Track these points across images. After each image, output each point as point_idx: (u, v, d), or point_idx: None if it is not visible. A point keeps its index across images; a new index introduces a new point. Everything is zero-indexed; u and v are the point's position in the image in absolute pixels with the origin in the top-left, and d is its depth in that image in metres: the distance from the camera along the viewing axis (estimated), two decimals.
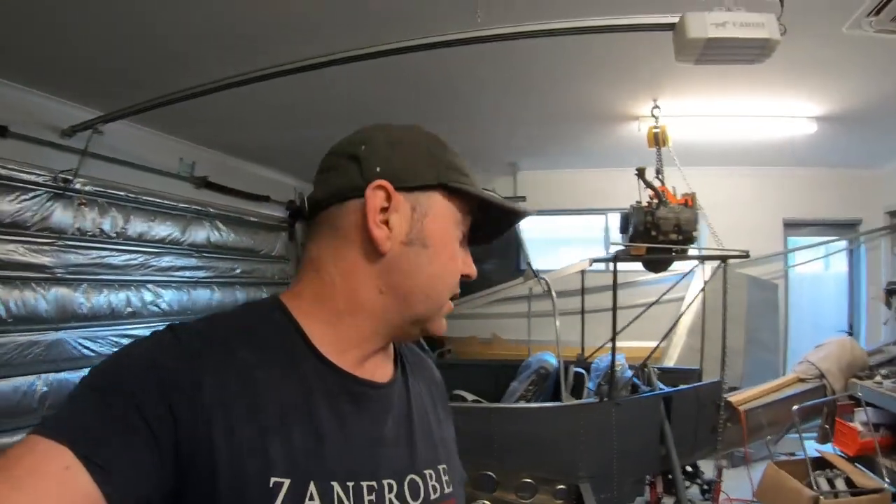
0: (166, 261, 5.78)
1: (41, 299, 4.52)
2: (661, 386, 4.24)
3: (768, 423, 4.21)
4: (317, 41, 3.20)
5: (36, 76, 4.14)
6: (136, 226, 5.43)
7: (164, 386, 0.74)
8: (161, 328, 0.84)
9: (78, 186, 4.76)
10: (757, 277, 6.51)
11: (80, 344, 4.89)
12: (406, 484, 0.92)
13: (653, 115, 4.42)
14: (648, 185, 4.15)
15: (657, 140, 4.43)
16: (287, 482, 0.78)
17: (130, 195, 5.29)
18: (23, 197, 4.35)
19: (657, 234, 4.03)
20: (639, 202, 4.20)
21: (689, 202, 4.13)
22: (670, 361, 5.70)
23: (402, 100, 4.67)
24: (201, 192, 6.11)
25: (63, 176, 4.57)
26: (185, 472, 0.74)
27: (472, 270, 1.01)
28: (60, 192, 4.61)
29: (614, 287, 3.96)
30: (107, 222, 5.14)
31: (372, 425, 0.92)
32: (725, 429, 4.02)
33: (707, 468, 4.56)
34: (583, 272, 4.41)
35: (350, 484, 0.84)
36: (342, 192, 0.92)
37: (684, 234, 4.02)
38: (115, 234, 5.22)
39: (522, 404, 4.16)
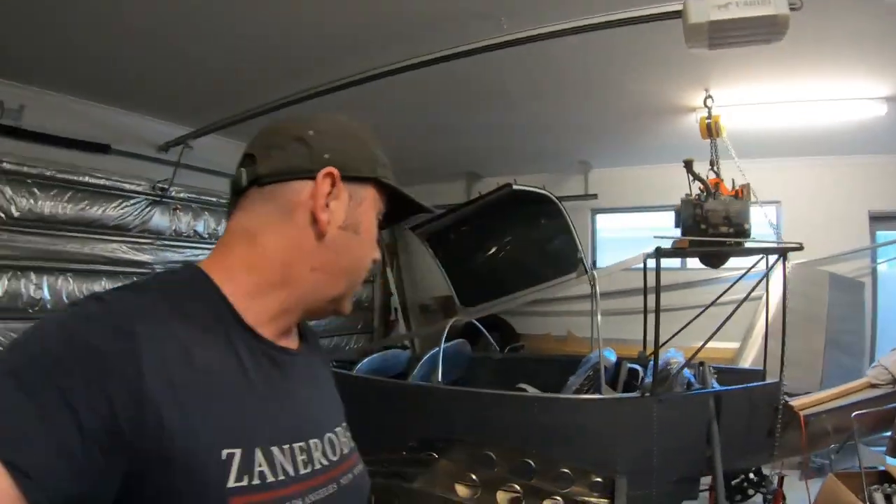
0: None
1: None
2: (716, 385, 4.04)
3: (833, 430, 3.88)
4: (366, 58, 3.52)
5: (135, 100, 4.78)
6: (212, 226, 6.05)
7: (100, 373, 0.71)
8: (89, 299, 0.81)
9: (173, 194, 5.48)
10: (840, 275, 5.89)
11: None
12: (326, 442, 0.98)
13: (705, 105, 4.25)
14: (696, 177, 3.98)
15: (710, 131, 4.26)
16: (238, 452, 0.79)
17: (220, 200, 5.88)
18: (125, 204, 5.06)
19: (706, 227, 3.86)
20: (688, 195, 4.05)
21: (741, 193, 3.92)
22: (745, 363, 5.39)
23: (465, 107, 4.83)
24: None
25: (160, 185, 5.31)
26: (132, 461, 0.72)
27: (379, 256, 1.08)
28: (158, 199, 5.33)
29: (657, 283, 3.80)
30: (199, 224, 5.84)
31: (295, 390, 0.97)
32: (783, 434, 3.77)
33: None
34: (645, 268, 4.30)
35: (286, 447, 0.87)
36: (290, 171, 0.96)
37: (735, 227, 3.81)
38: (207, 235, 5.90)
39: (561, 395, 4.11)
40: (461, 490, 3.60)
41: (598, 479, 3.58)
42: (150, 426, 0.72)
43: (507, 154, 6.26)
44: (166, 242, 5.51)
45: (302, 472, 0.88)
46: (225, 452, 0.78)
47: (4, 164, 4.25)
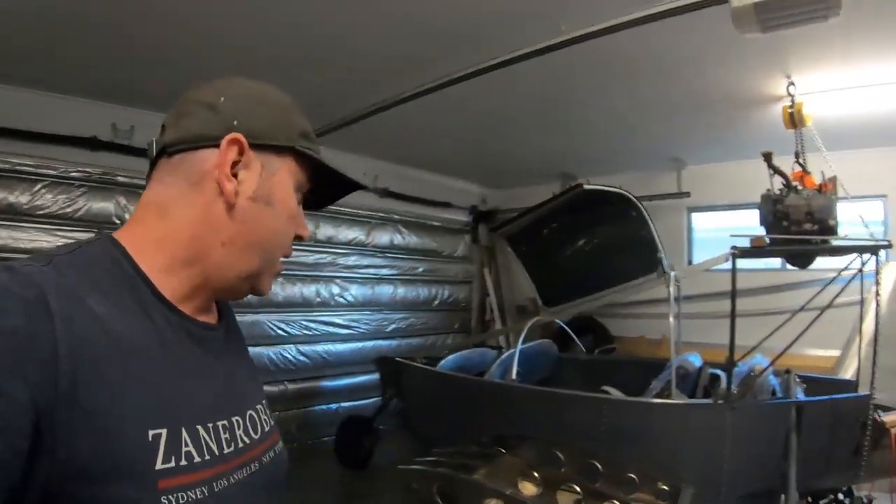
0: (352, 260, 6.72)
1: None
2: (801, 396, 3.75)
3: None
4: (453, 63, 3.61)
5: None
6: (326, 230, 6.47)
7: (14, 357, 0.66)
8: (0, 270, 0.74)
9: None
10: None
11: (274, 326, 5.99)
12: (247, 420, 0.95)
13: (788, 94, 3.95)
14: (776, 170, 3.73)
15: (793, 120, 3.95)
16: (164, 432, 0.76)
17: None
18: None
19: (788, 223, 3.61)
20: (769, 190, 3.80)
21: (826, 188, 3.62)
22: (845, 373, 4.89)
23: (556, 108, 4.83)
24: (385, 201, 6.92)
25: None
26: (56, 449, 0.67)
27: (306, 231, 1.01)
28: None
29: (733, 285, 3.56)
30: None
31: (216, 367, 0.94)
32: (872, 452, 3.43)
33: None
34: (734, 269, 4.03)
35: (210, 425, 0.85)
36: (196, 138, 0.90)
37: (819, 223, 3.53)
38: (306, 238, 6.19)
39: (632, 398, 3.99)
40: (523, 486, 3.59)
41: (664, 487, 3.44)
42: (70, 406, 0.68)
43: (600, 154, 6.12)
44: None
45: (226, 450, 0.86)
46: (151, 433, 0.75)
47: (119, 178, 4.84)
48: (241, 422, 0.93)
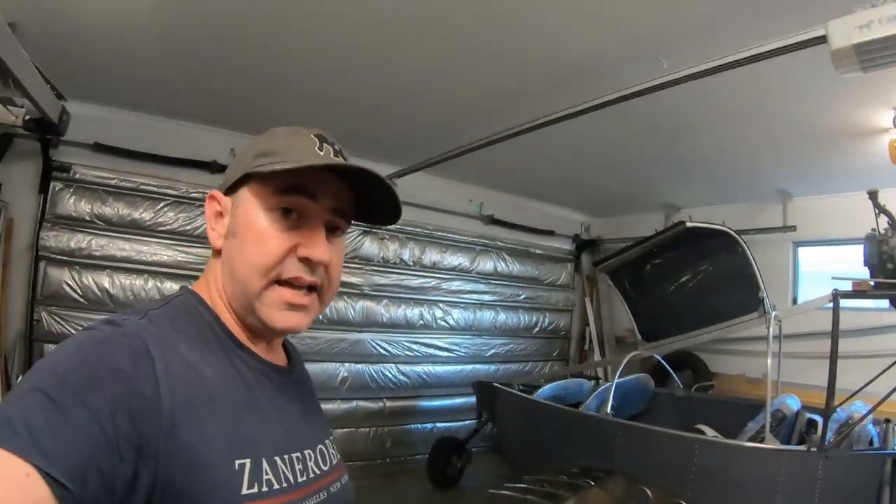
0: (456, 285, 6.92)
1: (350, 308, 6.01)
2: None
3: None
4: (560, 98, 3.74)
5: (350, 146, 5.53)
6: (431, 255, 6.72)
7: (122, 393, 0.74)
8: (103, 324, 0.84)
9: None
10: None
11: (377, 345, 6.28)
12: (318, 453, 1.03)
13: (895, 125, 3.76)
14: (882, 209, 3.57)
15: None
16: (248, 462, 0.85)
17: (426, 231, 6.58)
18: None
19: (893, 266, 3.46)
20: (874, 230, 3.64)
21: None
22: None
23: (658, 140, 4.87)
24: (489, 228, 7.11)
25: None
26: (155, 474, 0.75)
27: (311, 252, 0.96)
28: (367, 229, 6.06)
29: (834, 328, 3.43)
30: (405, 252, 6.52)
31: (291, 404, 1.04)
32: None
33: None
34: (835, 314, 3.85)
35: (286, 457, 0.93)
36: None
37: None
38: (412, 262, 6.58)
39: (722, 439, 3.88)
40: None
41: None
42: (170, 439, 0.77)
43: (704, 185, 6.01)
44: (374, 267, 6.24)
45: (300, 479, 0.95)
46: (237, 463, 0.84)
47: None
48: (312, 454, 1.01)
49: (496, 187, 6.94)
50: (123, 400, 0.74)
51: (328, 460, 1.06)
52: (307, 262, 0.96)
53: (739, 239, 4.52)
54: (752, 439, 3.88)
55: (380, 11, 3.11)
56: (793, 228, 5.91)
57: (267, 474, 0.87)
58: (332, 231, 1.01)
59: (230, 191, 1.01)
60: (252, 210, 0.97)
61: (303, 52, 3.66)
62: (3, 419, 0.68)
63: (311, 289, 0.99)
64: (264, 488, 0.86)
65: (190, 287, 1.03)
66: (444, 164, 5.09)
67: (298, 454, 0.97)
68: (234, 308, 0.99)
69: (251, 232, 0.96)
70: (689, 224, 4.52)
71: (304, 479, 0.96)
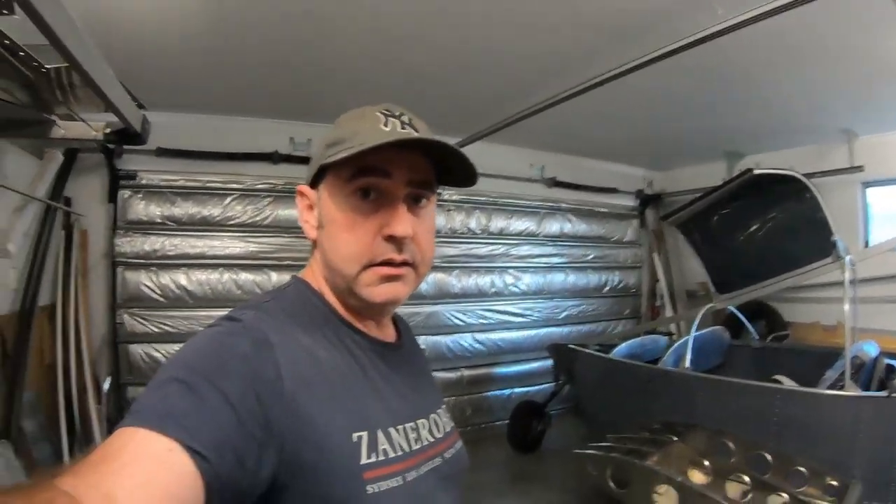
0: (524, 250, 7.00)
1: (423, 282, 6.09)
2: None
3: None
4: (616, 54, 3.70)
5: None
6: (497, 223, 6.80)
7: (249, 377, 0.82)
8: (224, 320, 0.93)
9: (446, 197, 6.31)
10: None
11: (452, 315, 6.46)
12: (431, 422, 1.10)
13: None
14: None
15: None
16: (365, 434, 0.92)
17: (490, 199, 6.66)
18: None
19: None
20: None
21: None
22: None
23: (718, 87, 4.75)
24: (552, 190, 7.13)
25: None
26: (282, 448, 0.82)
27: (394, 229, 0.98)
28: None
29: None
30: (472, 222, 6.63)
31: (401, 377, 1.09)
32: None
33: None
34: None
35: (400, 427, 0.99)
36: None
37: None
38: (479, 231, 6.68)
39: (801, 388, 3.87)
40: (693, 474, 3.68)
41: (833, 483, 3.36)
42: (293, 417, 0.84)
43: (766, 130, 5.76)
44: (443, 239, 6.34)
45: (414, 447, 1.01)
46: (355, 435, 0.90)
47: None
48: (425, 423, 1.08)
49: (556, 149, 6.92)
50: (250, 383, 0.81)
51: (441, 428, 1.12)
52: (392, 240, 0.99)
53: (808, 183, 4.45)
54: (831, 387, 3.87)
55: None
56: (860, 168, 5.65)
57: (383, 444, 0.94)
58: (417, 201, 1.03)
59: (314, 184, 1.07)
60: (333, 200, 1.02)
61: (357, 33, 3.70)
62: (143, 406, 0.76)
63: (403, 264, 1.01)
64: (381, 457, 0.92)
65: (298, 276, 1.11)
66: (503, 131, 5.10)
67: (412, 424, 1.03)
68: (338, 292, 1.06)
69: (337, 221, 1.01)
70: (756, 171, 4.48)
71: (419, 446, 1.02)
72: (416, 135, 0.98)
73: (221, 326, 0.90)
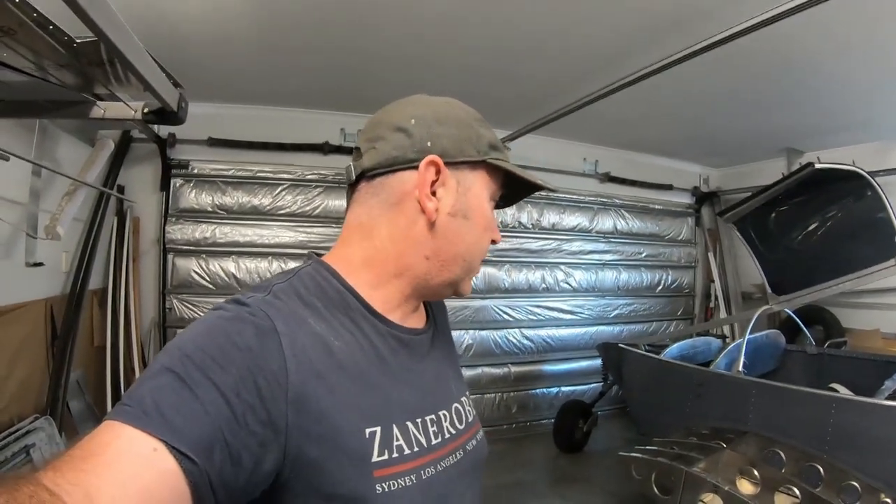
0: (576, 245, 6.94)
1: None
2: None
3: None
4: (671, 44, 3.58)
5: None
6: (549, 217, 6.76)
7: (249, 369, 0.77)
8: (230, 303, 0.87)
9: None
10: None
11: (501, 310, 6.45)
12: (453, 412, 1.06)
13: None
14: None
15: None
16: (378, 429, 0.88)
17: (542, 193, 6.49)
18: None
19: None
20: None
21: None
22: None
23: (777, 81, 4.58)
24: (606, 186, 7.03)
25: None
26: (285, 447, 0.79)
27: (499, 237, 1.09)
28: None
29: None
30: (524, 216, 6.62)
31: (424, 367, 1.05)
32: None
33: None
34: None
35: (418, 420, 0.96)
36: (393, 162, 0.98)
37: None
38: (531, 226, 6.65)
39: (859, 398, 3.71)
40: (741, 484, 3.59)
41: (888, 501, 3.22)
42: (299, 412, 0.80)
43: (828, 125, 5.57)
44: None
45: (434, 442, 0.97)
46: (368, 431, 0.86)
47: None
48: (447, 415, 1.04)
49: (610, 144, 6.81)
50: (249, 375, 0.77)
51: (464, 418, 1.09)
52: (492, 243, 1.09)
53: (872, 179, 4.24)
54: (890, 398, 3.72)
55: None
56: None
57: (398, 440, 0.90)
58: None
59: (453, 165, 1.00)
60: (483, 196, 1.03)
61: (408, 20, 3.70)
62: (133, 399, 0.72)
63: None
64: (395, 454, 0.89)
65: (317, 256, 1.04)
66: (555, 123, 5.02)
67: (433, 416, 1.00)
68: (423, 281, 1.02)
69: (483, 218, 1.03)
70: (817, 165, 4.28)
71: (439, 440, 0.99)
72: (548, 185, 1.14)
73: (226, 311, 0.85)
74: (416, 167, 0.97)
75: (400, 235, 1.00)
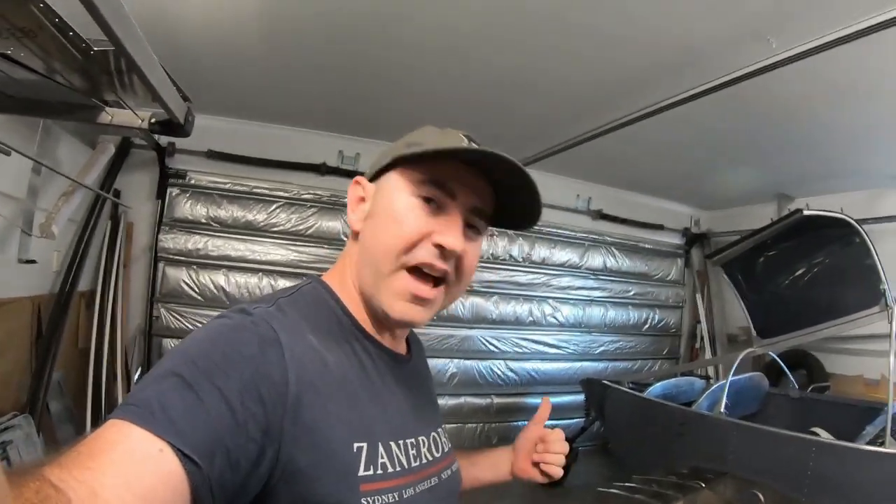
0: (565, 281, 6.98)
1: (460, 305, 6.22)
2: None
3: None
4: (669, 86, 3.72)
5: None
6: (540, 252, 6.80)
7: (252, 377, 0.79)
8: (235, 312, 0.89)
9: None
10: None
11: (486, 341, 6.45)
12: (431, 440, 1.09)
13: None
14: None
15: None
16: (365, 445, 0.90)
17: (534, 227, 6.54)
18: None
19: None
20: None
21: None
22: None
23: (768, 127, 4.68)
24: (597, 223, 7.10)
25: None
26: (280, 452, 0.80)
27: (445, 239, 0.97)
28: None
29: None
30: (515, 249, 6.65)
31: (407, 392, 1.08)
32: None
33: None
34: None
35: (401, 442, 0.98)
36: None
37: None
38: (521, 259, 6.69)
39: (839, 442, 3.73)
40: None
41: None
42: (294, 422, 0.82)
43: (819, 173, 5.68)
44: (484, 264, 6.35)
45: (413, 464, 0.99)
46: (356, 445, 0.89)
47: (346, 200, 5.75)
48: (425, 441, 1.07)
49: (604, 182, 6.91)
50: (252, 383, 0.78)
51: (440, 448, 1.11)
52: (441, 249, 0.97)
53: (859, 227, 4.33)
54: (870, 443, 3.75)
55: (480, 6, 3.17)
56: None
57: (382, 458, 0.92)
58: (470, 228, 1.03)
59: (375, 178, 1.06)
60: (395, 192, 1.00)
61: (413, 53, 3.79)
62: (140, 400, 0.72)
63: (438, 282, 1.00)
64: (379, 471, 0.90)
65: (318, 276, 1.09)
66: (550, 159, 5.14)
67: (413, 440, 1.02)
68: (364, 295, 1.03)
69: (391, 212, 0.99)
70: (806, 212, 4.38)
71: (417, 464, 1.00)
72: (501, 153, 0.94)
73: (231, 319, 0.87)
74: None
75: (348, 253, 1.09)
